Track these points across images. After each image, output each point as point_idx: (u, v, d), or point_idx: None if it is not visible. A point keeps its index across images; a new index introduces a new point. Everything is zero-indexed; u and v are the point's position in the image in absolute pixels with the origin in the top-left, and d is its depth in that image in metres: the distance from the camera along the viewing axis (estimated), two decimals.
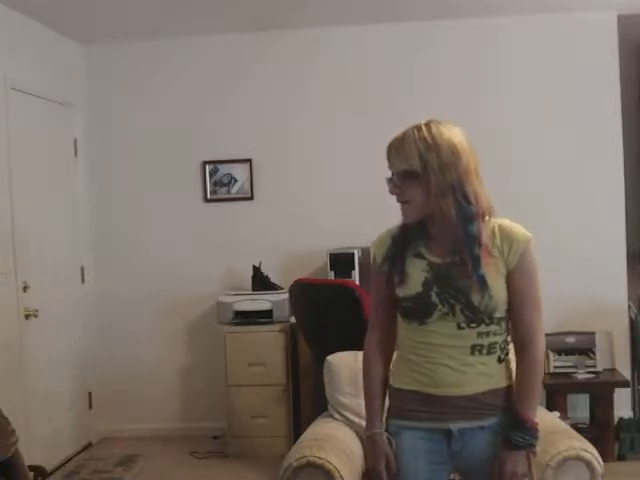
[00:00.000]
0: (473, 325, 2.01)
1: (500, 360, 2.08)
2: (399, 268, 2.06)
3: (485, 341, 2.03)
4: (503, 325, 2.06)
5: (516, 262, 2.03)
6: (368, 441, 2.15)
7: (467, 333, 2.02)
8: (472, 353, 2.03)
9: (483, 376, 2.05)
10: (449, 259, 2.02)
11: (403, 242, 2.08)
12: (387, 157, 2.03)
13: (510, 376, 2.11)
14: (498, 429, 2.06)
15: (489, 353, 2.05)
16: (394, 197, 2.05)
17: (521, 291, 2.05)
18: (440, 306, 2.01)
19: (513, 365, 2.14)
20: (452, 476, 2.22)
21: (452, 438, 2.06)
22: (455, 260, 2.01)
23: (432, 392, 2.05)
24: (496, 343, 2.05)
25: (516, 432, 2.02)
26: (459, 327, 2.02)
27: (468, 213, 1.98)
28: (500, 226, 2.05)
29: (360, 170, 5.08)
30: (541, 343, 2.09)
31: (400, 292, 2.06)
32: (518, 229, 2.06)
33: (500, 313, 2.03)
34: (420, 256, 2.06)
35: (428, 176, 1.95)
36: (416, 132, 1.98)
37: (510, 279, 2.03)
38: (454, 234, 2.00)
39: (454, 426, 2.05)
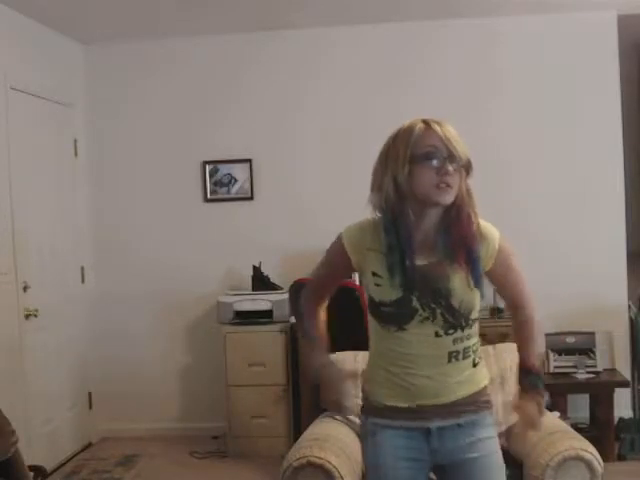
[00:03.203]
0: (450, 332, 2.04)
1: (475, 364, 2.12)
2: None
3: (460, 347, 2.06)
4: (475, 327, 2.10)
5: (493, 261, 2.07)
6: (325, 369, 2.25)
7: (443, 340, 2.04)
8: (449, 360, 2.06)
9: (459, 384, 2.09)
10: (427, 261, 2.02)
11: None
12: (448, 148, 1.95)
13: (486, 375, 2.18)
14: (476, 423, 2.12)
15: (465, 357, 2.08)
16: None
17: (505, 279, 2.13)
18: (421, 311, 2.02)
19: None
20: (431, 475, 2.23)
21: (431, 435, 2.09)
22: (433, 261, 2.02)
23: (411, 405, 2.07)
24: (469, 347, 2.09)
25: (526, 378, 2.26)
26: (437, 335, 2.03)
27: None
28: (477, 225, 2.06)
29: (360, 170, 5.05)
30: (532, 304, 2.20)
31: (377, 296, 2.04)
32: (489, 229, 2.09)
33: (475, 314, 2.08)
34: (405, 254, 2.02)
35: (470, 165, 2.00)
36: (450, 127, 2.00)
37: (491, 273, 2.09)
38: (455, 232, 2.01)
39: (432, 425, 2.08)
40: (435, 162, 1.95)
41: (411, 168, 1.96)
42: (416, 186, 1.96)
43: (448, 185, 1.95)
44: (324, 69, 5.25)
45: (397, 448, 2.09)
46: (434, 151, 1.95)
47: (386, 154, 2.02)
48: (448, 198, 1.97)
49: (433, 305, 2.00)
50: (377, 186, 2.05)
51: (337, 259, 2.14)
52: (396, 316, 2.03)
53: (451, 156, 1.95)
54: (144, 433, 5.35)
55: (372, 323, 2.11)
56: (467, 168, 1.99)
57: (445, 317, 2.01)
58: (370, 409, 2.15)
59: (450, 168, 1.94)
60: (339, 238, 2.13)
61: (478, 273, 2.02)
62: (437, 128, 1.97)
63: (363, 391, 2.20)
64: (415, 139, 1.97)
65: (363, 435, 2.20)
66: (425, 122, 1.99)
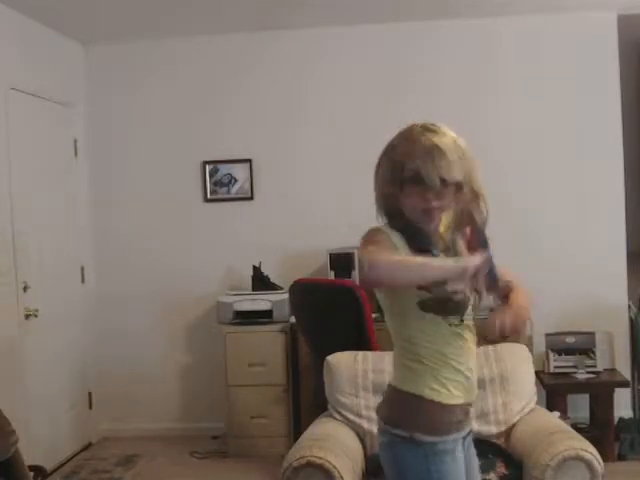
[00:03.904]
0: (474, 317, 2.05)
1: None
2: None
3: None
4: None
5: None
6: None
7: (472, 330, 2.05)
8: (477, 347, 2.07)
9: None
10: (450, 254, 2.02)
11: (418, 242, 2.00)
12: (424, 167, 1.91)
13: None
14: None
15: None
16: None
17: None
18: (470, 298, 1.98)
19: None
20: None
21: (465, 441, 2.08)
22: (451, 255, 2.01)
23: (469, 400, 2.04)
24: None
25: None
26: (473, 319, 2.04)
27: (485, 219, 2.00)
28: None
29: (360, 170, 5.03)
30: None
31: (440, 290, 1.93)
32: None
33: None
34: (432, 254, 1.99)
35: (462, 184, 1.94)
36: (446, 139, 1.93)
37: None
38: (463, 235, 2.02)
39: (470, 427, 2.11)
40: (417, 188, 1.93)
41: (402, 187, 1.95)
42: (404, 204, 1.97)
43: (432, 209, 1.94)
44: (324, 69, 5.25)
45: (462, 460, 2.03)
46: (415, 176, 1.92)
47: (385, 162, 2.00)
48: (434, 221, 1.98)
49: (473, 292, 1.96)
50: (379, 191, 2.03)
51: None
52: (462, 305, 1.95)
53: (434, 183, 1.91)
54: (144, 433, 5.35)
55: (425, 323, 1.97)
56: (458, 187, 1.93)
57: (476, 304, 2.01)
58: (445, 427, 1.99)
59: (430, 195, 1.92)
60: (383, 232, 1.99)
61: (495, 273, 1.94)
62: (421, 150, 1.91)
63: (432, 409, 2.00)
64: (405, 158, 1.94)
65: (430, 455, 1.98)
66: (413, 139, 1.94)
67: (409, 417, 2.00)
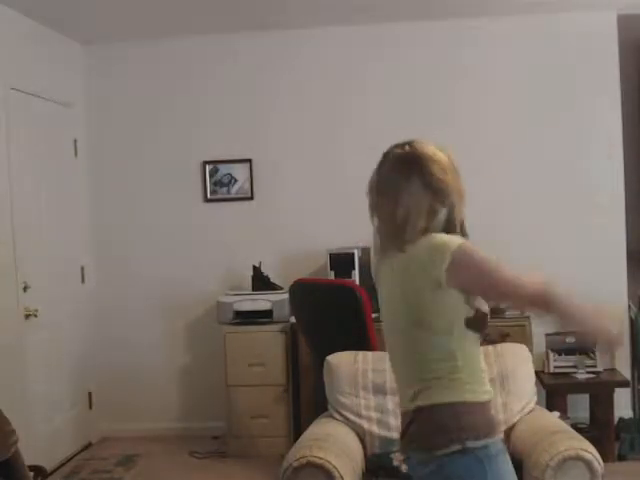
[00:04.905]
0: None
1: None
2: None
3: None
4: None
5: None
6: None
7: None
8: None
9: None
10: None
11: None
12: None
13: None
14: None
15: None
16: None
17: None
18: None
19: None
20: None
21: None
22: None
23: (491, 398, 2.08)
24: None
25: None
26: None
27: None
28: None
29: (360, 169, 5.05)
30: None
31: (483, 305, 2.06)
32: None
33: None
34: None
35: None
36: None
37: None
38: None
39: None
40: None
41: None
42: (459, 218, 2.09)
43: None
44: (324, 69, 5.25)
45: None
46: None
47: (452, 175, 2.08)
48: None
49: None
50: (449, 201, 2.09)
51: None
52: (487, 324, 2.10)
53: None
54: (144, 433, 5.34)
55: (467, 339, 2.02)
56: None
57: None
58: (487, 428, 1.97)
59: None
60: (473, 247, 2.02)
61: None
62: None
63: (471, 410, 1.97)
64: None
65: (485, 459, 1.92)
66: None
67: (458, 427, 1.92)
